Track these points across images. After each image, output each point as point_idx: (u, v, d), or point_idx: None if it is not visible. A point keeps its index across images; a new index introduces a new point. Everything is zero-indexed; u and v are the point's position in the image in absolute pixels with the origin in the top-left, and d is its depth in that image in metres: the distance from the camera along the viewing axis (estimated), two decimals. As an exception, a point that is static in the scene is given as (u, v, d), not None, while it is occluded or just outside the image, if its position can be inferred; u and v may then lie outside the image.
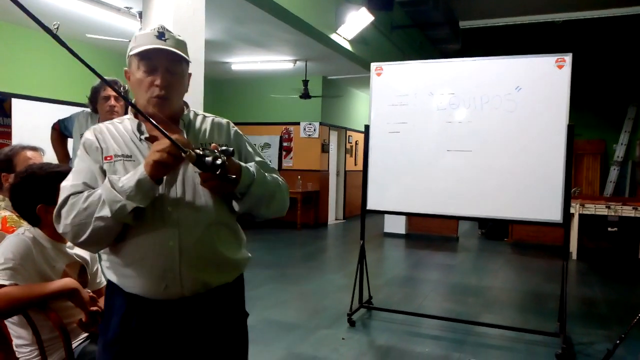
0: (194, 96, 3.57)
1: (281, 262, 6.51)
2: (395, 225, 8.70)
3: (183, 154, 1.20)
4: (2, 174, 2.16)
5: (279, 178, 1.51)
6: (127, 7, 5.37)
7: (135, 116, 1.44)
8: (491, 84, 3.69)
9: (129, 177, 1.26)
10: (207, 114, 1.54)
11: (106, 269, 1.43)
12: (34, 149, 2.24)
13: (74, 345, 1.77)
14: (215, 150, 1.25)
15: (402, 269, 6.51)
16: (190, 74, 1.51)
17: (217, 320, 1.46)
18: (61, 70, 6.74)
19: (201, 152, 1.22)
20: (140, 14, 4.70)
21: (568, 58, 3.47)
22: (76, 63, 1.24)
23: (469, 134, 3.76)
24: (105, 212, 1.25)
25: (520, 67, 3.63)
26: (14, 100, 6.22)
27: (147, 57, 1.37)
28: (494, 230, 8.61)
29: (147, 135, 1.38)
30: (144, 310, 1.37)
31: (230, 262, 1.46)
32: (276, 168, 1.61)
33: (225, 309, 1.48)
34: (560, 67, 3.49)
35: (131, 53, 1.39)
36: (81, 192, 1.30)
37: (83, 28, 6.09)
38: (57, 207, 1.31)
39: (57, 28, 1.18)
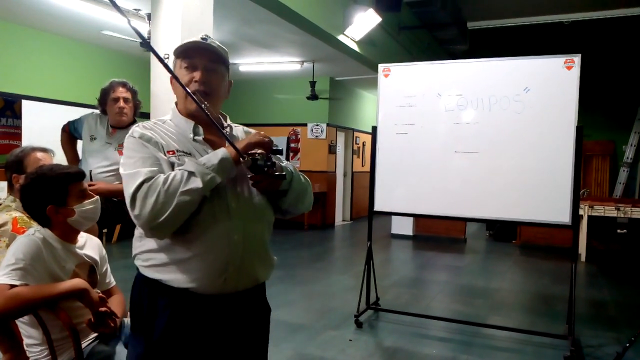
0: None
1: (288, 262, 6.52)
2: (403, 227, 8.68)
3: (242, 159, 1.34)
4: (13, 175, 2.19)
5: (302, 175, 1.60)
6: (135, 9, 5.41)
7: (192, 118, 1.47)
8: (499, 85, 3.68)
9: (209, 157, 1.34)
10: (233, 124, 1.62)
11: (147, 268, 1.40)
12: (44, 150, 2.26)
13: (83, 345, 1.78)
14: (262, 153, 1.37)
15: (409, 270, 6.50)
16: (231, 82, 1.57)
17: (257, 316, 1.55)
18: (71, 72, 6.80)
19: (253, 157, 1.35)
20: (149, 16, 4.73)
21: (577, 59, 3.45)
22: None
23: (476, 135, 3.75)
24: (195, 184, 1.28)
25: (528, 68, 3.61)
26: (24, 102, 6.28)
27: (188, 56, 1.45)
28: (501, 232, 8.57)
29: (201, 136, 1.46)
30: (194, 306, 1.38)
31: (271, 260, 1.55)
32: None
33: (262, 304, 1.58)
34: (569, 68, 3.47)
35: (174, 53, 1.47)
36: (154, 177, 1.30)
37: (96, 30, 6.14)
38: (131, 191, 1.28)
39: (168, 58, 1.26)
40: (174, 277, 1.36)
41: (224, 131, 1.41)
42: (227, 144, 1.40)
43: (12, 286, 1.59)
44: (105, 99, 2.99)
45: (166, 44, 3.59)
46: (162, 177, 1.31)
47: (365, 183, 9.84)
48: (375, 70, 4.12)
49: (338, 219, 10.43)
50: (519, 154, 3.63)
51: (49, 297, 1.64)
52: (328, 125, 9.62)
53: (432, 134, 3.90)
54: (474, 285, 5.52)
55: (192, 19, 3.67)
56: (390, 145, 4.05)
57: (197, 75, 1.43)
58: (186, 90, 1.35)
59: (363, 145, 11.44)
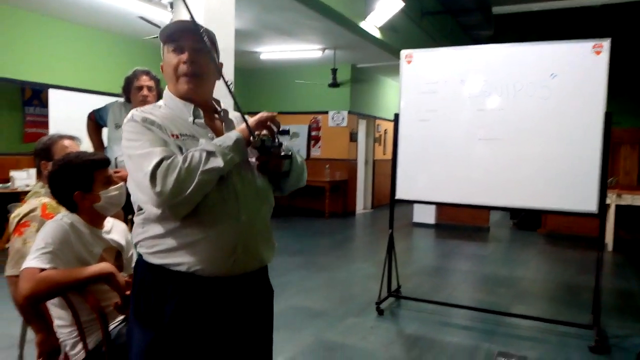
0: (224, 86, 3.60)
1: (309, 250, 6.55)
2: (425, 215, 8.62)
3: (252, 138, 1.37)
4: (41, 162, 2.24)
5: (298, 154, 1.62)
6: (158, -2, 5.43)
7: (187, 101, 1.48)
8: (525, 71, 3.60)
9: (223, 139, 1.37)
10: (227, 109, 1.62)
11: (152, 255, 1.39)
12: (71, 138, 2.30)
13: (110, 328, 1.83)
14: (268, 135, 1.40)
15: (431, 258, 6.47)
16: (221, 64, 1.54)
17: (262, 298, 1.57)
18: (96, 62, 6.90)
19: (261, 137, 1.38)
20: (172, 4, 4.75)
21: (606, 43, 3.35)
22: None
23: (501, 122, 3.69)
24: (216, 163, 1.31)
25: (555, 53, 3.53)
26: (51, 91, 6.40)
27: (174, 39, 1.44)
28: (526, 221, 8.44)
29: (202, 119, 1.46)
30: (203, 290, 1.39)
31: (274, 242, 1.57)
32: (304, 157, 1.73)
33: (266, 286, 1.60)
34: (597, 53, 3.37)
35: (160, 38, 1.46)
36: (171, 156, 1.30)
37: (121, 19, 6.20)
38: (150, 169, 1.27)
39: (232, 84, 1.28)
40: (183, 261, 1.36)
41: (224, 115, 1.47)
42: (232, 126, 1.47)
43: (42, 269, 1.64)
44: (129, 88, 3.03)
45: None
46: (179, 156, 1.31)
47: (386, 171, 9.78)
48: (398, 56, 4.08)
49: (359, 207, 10.42)
50: (545, 141, 3.55)
51: (77, 280, 1.68)
52: (349, 112, 9.57)
53: (455, 121, 3.85)
54: (498, 274, 5.47)
55: (214, 7, 3.68)
56: (412, 132, 4.01)
57: (184, 56, 1.42)
58: (225, 83, 1.37)
59: (385, 132, 11.36)
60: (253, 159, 1.46)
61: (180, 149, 1.36)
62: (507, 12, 9.24)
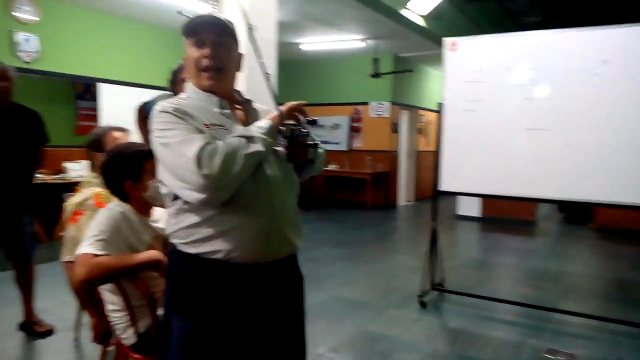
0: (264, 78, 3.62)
1: (351, 241, 6.55)
2: (469, 208, 8.45)
3: (282, 127, 1.42)
4: (93, 153, 2.33)
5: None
6: (202, -8, 5.52)
7: (215, 93, 1.50)
8: (575, 57, 3.44)
9: (258, 126, 1.41)
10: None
11: (187, 245, 1.41)
12: (121, 129, 2.39)
13: (158, 313, 1.89)
14: (297, 123, 1.44)
15: (475, 252, 6.34)
16: (241, 55, 1.56)
17: (295, 284, 1.60)
18: (143, 56, 7.10)
19: (291, 127, 1.43)
20: (215, -2, 4.82)
21: (666, 26, 3.16)
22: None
23: (550, 111, 3.55)
24: (256, 148, 1.36)
25: (608, 38, 3.36)
26: (101, 85, 6.64)
27: (195, 33, 1.46)
28: (576, 214, 8.13)
29: (228, 110, 1.49)
30: (239, 277, 1.41)
31: (301, 228, 1.58)
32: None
33: (298, 273, 1.63)
34: (656, 36, 3.19)
35: (182, 32, 1.48)
36: (211, 142, 1.33)
37: (167, 14, 6.34)
38: (194, 152, 1.29)
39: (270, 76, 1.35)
40: (219, 248, 1.38)
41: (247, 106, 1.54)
42: (261, 115, 1.54)
43: (96, 255, 1.71)
44: (175, 80, 3.11)
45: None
46: (220, 142, 1.34)
47: (430, 163, 9.64)
48: (441, 45, 3.99)
49: (401, 200, 10.32)
50: (597, 131, 3.40)
51: (128, 267, 1.75)
52: (391, 103, 9.46)
53: (501, 110, 3.74)
54: (545, 269, 5.31)
55: (257, 0, 3.70)
56: (457, 122, 3.92)
57: (205, 51, 1.45)
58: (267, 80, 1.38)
59: (428, 123, 11.18)
60: (280, 147, 1.48)
61: (214, 138, 1.38)
62: (557, -4, 8.88)
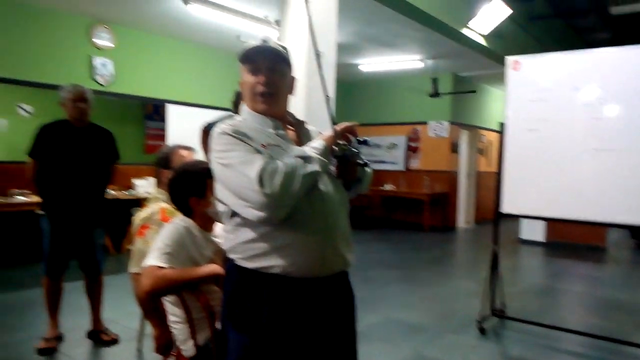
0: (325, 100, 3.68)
1: (407, 263, 6.44)
2: (533, 232, 8.10)
3: (335, 147, 1.47)
4: (161, 169, 2.45)
5: None
6: (265, 16, 5.73)
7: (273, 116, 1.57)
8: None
9: (313, 146, 1.47)
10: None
11: (246, 260, 1.46)
12: (187, 148, 2.50)
13: (217, 326, 1.94)
14: (347, 143, 1.49)
15: (539, 278, 6.06)
16: (294, 78, 1.63)
17: (347, 300, 1.62)
18: (208, 78, 7.42)
19: (342, 147, 1.48)
20: (278, 22, 4.99)
21: None
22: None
23: (620, 131, 3.37)
24: (313, 168, 1.41)
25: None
26: (169, 106, 6.99)
27: (251, 60, 1.54)
28: (651, 241, 7.61)
29: (282, 131, 1.55)
30: (296, 291, 1.45)
31: (352, 244, 1.61)
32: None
33: (350, 290, 1.64)
34: None
35: (238, 59, 1.56)
36: (271, 162, 1.38)
37: (231, 38, 6.61)
38: (256, 172, 1.35)
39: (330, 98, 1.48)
40: (277, 263, 1.42)
41: (302, 127, 1.61)
42: (316, 135, 1.60)
43: (161, 268, 1.79)
44: (239, 102, 3.21)
45: (294, 47, 3.75)
46: (279, 162, 1.39)
47: (491, 184, 9.36)
48: (503, 63, 3.91)
49: (460, 222, 10.05)
50: (675, 152, 3.19)
51: (190, 280, 1.81)
52: (450, 123, 9.31)
53: (567, 130, 3.60)
54: (616, 299, 4.98)
55: (317, 23, 3.79)
56: (519, 142, 3.81)
57: (261, 78, 1.52)
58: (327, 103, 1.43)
59: (489, 143, 10.89)
60: (332, 166, 1.53)
61: (272, 157, 1.43)
62: (627, 12, 8.47)
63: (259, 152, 1.43)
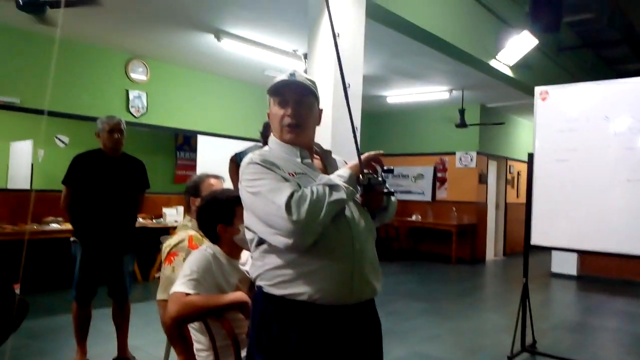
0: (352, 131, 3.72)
1: (435, 296, 6.32)
2: (565, 265, 7.86)
3: (361, 176, 1.50)
4: (190, 197, 2.51)
5: None
6: (294, 50, 5.88)
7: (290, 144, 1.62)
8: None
9: (340, 174, 1.49)
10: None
11: (273, 286, 1.47)
12: (216, 177, 2.56)
13: (242, 354, 1.94)
14: (374, 173, 1.52)
15: (572, 313, 5.84)
16: (321, 110, 1.69)
17: (374, 329, 1.61)
18: (237, 110, 7.61)
19: (368, 176, 1.50)
20: (306, 55, 5.11)
21: None
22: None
23: (655, 162, 3.30)
24: (340, 195, 1.44)
25: None
26: (199, 137, 7.16)
27: (279, 93, 1.60)
28: (692, 277, 7.27)
29: (308, 160, 1.60)
30: (323, 319, 1.45)
31: (380, 272, 1.60)
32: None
33: (376, 318, 1.63)
34: None
35: (267, 91, 1.62)
36: (298, 190, 1.42)
37: (259, 71, 6.80)
38: (284, 200, 1.38)
39: (358, 129, 1.56)
40: (304, 290, 1.43)
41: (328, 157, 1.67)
42: (342, 164, 1.66)
43: (188, 294, 1.81)
44: (267, 132, 3.28)
45: (321, 79, 3.83)
46: (306, 190, 1.42)
47: (520, 216, 9.15)
48: (531, 94, 3.90)
49: (489, 254, 9.83)
50: None
51: (216, 307, 1.83)
52: (478, 153, 9.24)
53: (598, 160, 3.54)
54: (656, 337, 4.76)
55: (346, 56, 3.86)
56: (549, 173, 3.76)
57: (288, 110, 1.57)
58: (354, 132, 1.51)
59: (518, 174, 10.73)
60: (357, 195, 1.55)
61: (299, 186, 1.46)
62: (659, 42, 8.38)
63: (286, 180, 1.46)
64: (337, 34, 1.65)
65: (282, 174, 1.48)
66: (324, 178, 1.49)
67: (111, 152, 3.44)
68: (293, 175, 1.50)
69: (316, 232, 1.40)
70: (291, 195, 1.39)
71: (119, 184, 3.44)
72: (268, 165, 1.49)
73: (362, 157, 1.53)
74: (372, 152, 1.56)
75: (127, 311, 3.57)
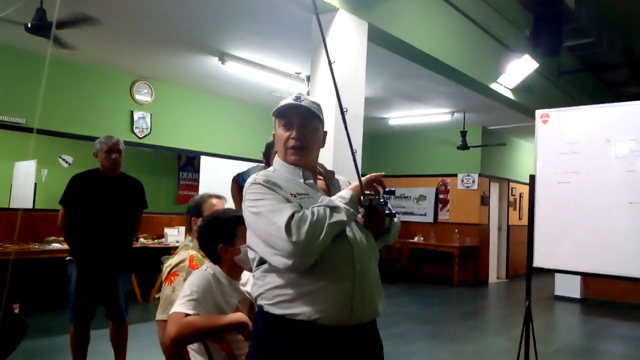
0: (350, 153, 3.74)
1: (437, 319, 6.25)
2: (568, 288, 7.78)
3: (362, 198, 1.49)
4: (192, 217, 2.51)
5: None
6: (297, 73, 5.95)
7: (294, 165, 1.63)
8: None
9: (341, 195, 1.50)
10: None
11: (273, 306, 1.47)
12: (218, 197, 2.56)
13: (241, 376, 1.92)
14: (376, 195, 1.51)
15: (576, 337, 5.77)
16: (325, 132, 1.71)
17: (375, 351, 1.58)
18: (239, 131, 7.67)
19: (369, 198, 1.50)
20: (308, 78, 5.17)
21: None
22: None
23: (656, 185, 3.29)
24: (340, 217, 1.44)
25: None
26: (202, 158, 7.19)
27: (284, 115, 1.62)
28: (698, 301, 7.19)
29: (311, 180, 1.61)
30: (323, 339, 1.44)
31: (383, 293, 1.60)
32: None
33: (378, 340, 1.61)
34: None
35: (273, 113, 1.64)
36: (299, 211, 1.43)
37: (262, 93, 6.87)
38: (284, 222, 1.39)
39: (357, 151, 1.56)
40: (303, 310, 1.43)
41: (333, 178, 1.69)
42: (345, 185, 1.68)
43: (187, 315, 1.80)
44: (269, 153, 3.31)
45: (324, 101, 3.86)
46: (307, 211, 1.43)
47: (523, 238, 9.10)
48: (532, 117, 3.92)
49: (492, 277, 9.75)
50: None
51: (215, 327, 1.82)
52: (480, 175, 9.24)
53: (600, 182, 3.53)
54: (662, 362, 4.68)
55: (347, 79, 3.91)
56: (551, 195, 3.74)
57: (293, 133, 1.59)
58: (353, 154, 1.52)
59: (520, 196, 10.71)
60: (359, 216, 1.56)
61: (300, 206, 1.47)
62: (659, 66, 8.44)
63: (288, 201, 1.47)
64: (332, 61, 1.68)
65: (285, 195, 1.49)
66: (325, 199, 1.49)
67: (108, 172, 3.44)
68: (295, 196, 1.51)
69: (316, 253, 1.40)
70: (291, 216, 1.40)
71: (116, 204, 3.43)
72: (270, 185, 1.51)
73: (363, 179, 1.54)
74: (374, 174, 1.57)
75: (125, 333, 3.54)
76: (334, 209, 1.44)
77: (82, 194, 3.37)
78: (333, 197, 1.51)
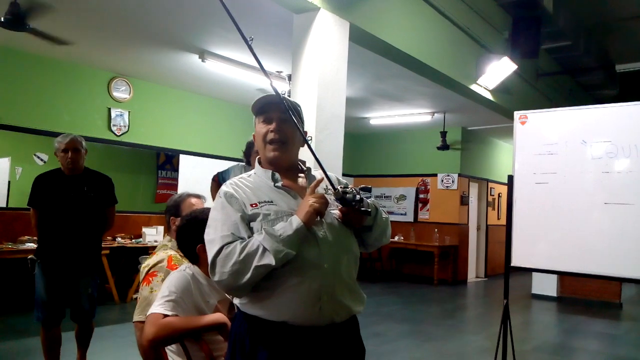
0: (335, 150, 3.75)
1: (416, 318, 6.30)
2: (545, 286, 7.92)
3: (333, 190, 1.47)
4: (170, 217, 2.47)
5: (383, 211, 1.71)
6: (278, 71, 5.92)
7: (272, 166, 1.61)
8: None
9: (285, 227, 1.41)
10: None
11: (244, 305, 1.49)
12: (197, 196, 2.53)
13: (221, 378, 1.90)
14: (354, 189, 1.48)
15: (552, 335, 5.87)
16: (306, 132, 1.71)
17: (353, 353, 1.55)
18: (220, 129, 7.59)
19: (343, 190, 1.46)
20: (289, 77, 5.15)
21: None
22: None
23: (631, 185, 3.36)
24: (268, 260, 1.37)
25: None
26: (181, 156, 7.11)
27: (264, 111, 1.60)
28: (669, 299, 7.39)
29: (281, 183, 1.57)
30: (293, 340, 1.43)
31: (361, 294, 1.58)
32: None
33: (358, 342, 1.59)
34: None
35: (252, 110, 1.63)
36: (231, 242, 1.42)
37: (242, 91, 6.82)
38: (211, 257, 1.43)
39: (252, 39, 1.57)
40: (271, 311, 1.43)
41: (307, 175, 1.63)
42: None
43: (165, 316, 1.77)
44: (249, 152, 3.29)
45: (305, 100, 3.85)
46: (238, 246, 1.40)
47: (501, 237, 9.24)
48: (511, 118, 3.97)
49: (471, 275, 9.87)
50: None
51: (194, 328, 1.79)
52: (460, 175, 9.34)
53: (577, 183, 3.59)
54: (633, 358, 4.79)
55: (328, 78, 3.91)
56: (529, 195, 3.80)
57: (272, 126, 1.57)
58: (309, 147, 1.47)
59: (499, 196, 10.86)
60: (336, 211, 1.54)
61: (256, 217, 1.46)
62: (633, 69, 8.63)
63: (236, 223, 1.45)
64: (250, 38, 1.60)
65: (233, 215, 1.46)
66: (261, 237, 1.39)
67: (68, 171, 3.36)
68: (256, 206, 1.49)
69: (243, 290, 1.42)
70: (218, 252, 1.41)
71: (77, 203, 3.35)
72: (227, 198, 1.50)
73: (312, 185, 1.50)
74: (315, 181, 1.51)
75: (89, 331, 3.48)
76: (264, 251, 1.37)
77: (45, 194, 3.32)
78: (278, 226, 1.42)
